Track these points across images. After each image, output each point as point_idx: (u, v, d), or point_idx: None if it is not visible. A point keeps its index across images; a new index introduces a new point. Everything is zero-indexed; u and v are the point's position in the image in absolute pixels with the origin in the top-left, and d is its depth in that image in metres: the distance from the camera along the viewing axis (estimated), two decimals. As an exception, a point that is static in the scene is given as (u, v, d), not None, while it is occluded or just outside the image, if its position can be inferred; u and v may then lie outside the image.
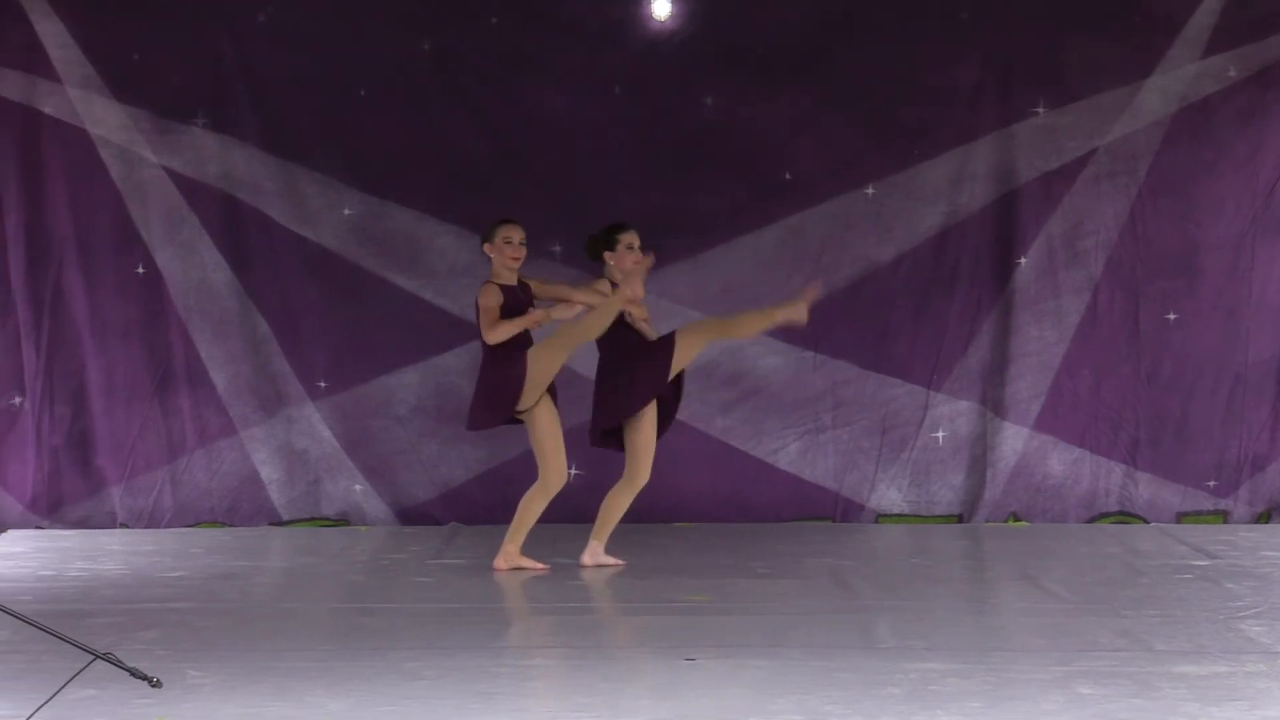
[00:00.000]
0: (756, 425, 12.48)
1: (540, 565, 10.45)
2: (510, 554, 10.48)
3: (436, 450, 12.46)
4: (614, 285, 10.50)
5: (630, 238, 10.53)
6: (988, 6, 12.43)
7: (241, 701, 7.06)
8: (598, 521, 10.59)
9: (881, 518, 12.51)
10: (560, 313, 10.48)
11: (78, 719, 6.77)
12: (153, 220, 12.45)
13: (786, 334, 12.32)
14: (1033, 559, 10.78)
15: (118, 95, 12.39)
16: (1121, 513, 12.45)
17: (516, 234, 10.46)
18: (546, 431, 10.36)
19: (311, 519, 12.49)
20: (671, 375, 10.42)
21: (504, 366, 10.26)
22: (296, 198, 12.47)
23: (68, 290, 12.43)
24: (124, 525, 12.40)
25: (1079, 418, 12.48)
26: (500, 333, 10.24)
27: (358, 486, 12.48)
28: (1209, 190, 12.41)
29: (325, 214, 12.47)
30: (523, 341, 10.32)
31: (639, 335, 10.51)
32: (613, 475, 12.30)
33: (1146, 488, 12.44)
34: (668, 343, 10.41)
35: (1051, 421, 12.45)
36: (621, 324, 10.42)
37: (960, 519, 12.51)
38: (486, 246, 10.47)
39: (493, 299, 10.29)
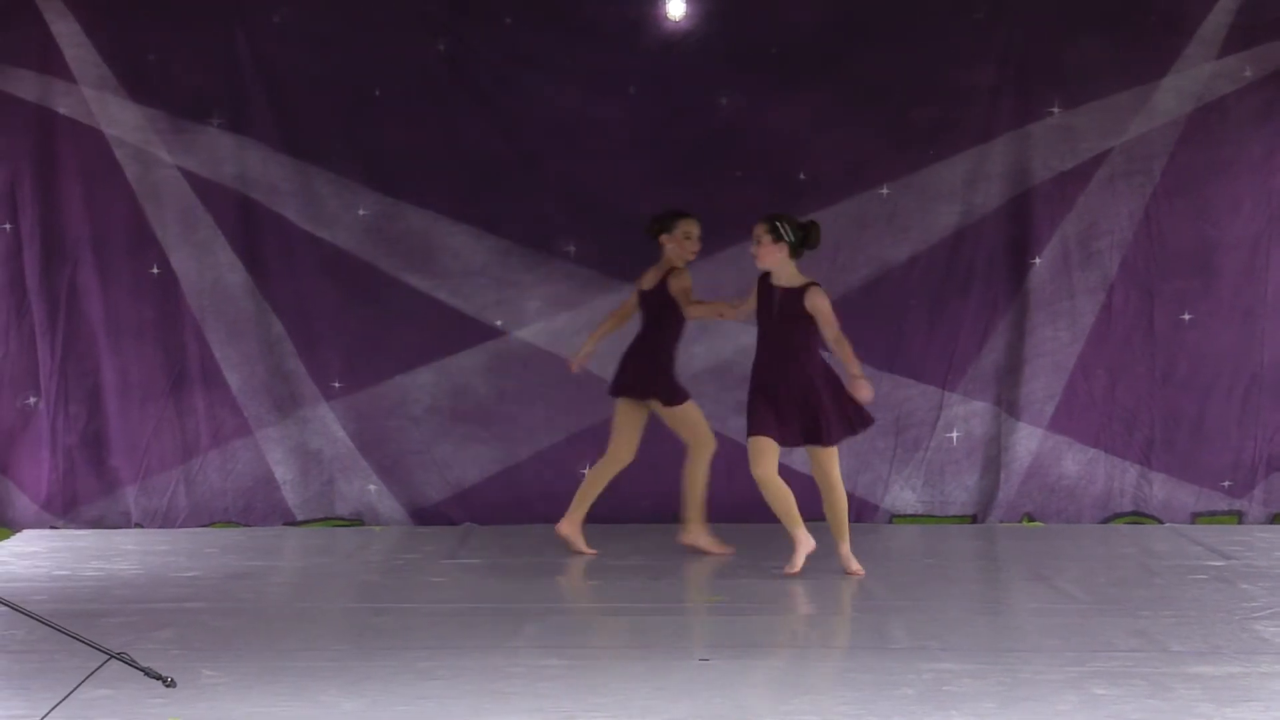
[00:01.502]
0: (771, 425, 12.46)
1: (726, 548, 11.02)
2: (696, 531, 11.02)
3: (450, 450, 12.47)
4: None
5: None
6: (1003, 7, 12.42)
7: (255, 701, 7.07)
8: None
9: (896, 518, 12.50)
10: (733, 311, 10.81)
11: (92, 719, 6.78)
12: (168, 220, 12.46)
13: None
14: (1047, 559, 10.78)
15: (133, 95, 12.40)
16: (1136, 513, 12.44)
17: (695, 229, 10.95)
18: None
19: (326, 519, 12.50)
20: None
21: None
22: (311, 198, 12.47)
23: (83, 290, 12.44)
24: (138, 525, 12.41)
25: (1093, 418, 12.47)
26: (696, 311, 10.90)
27: (372, 486, 12.49)
28: (1224, 190, 12.40)
29: (340, 214, 12.48)
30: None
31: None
32: (629, 477, 12.33)
33: (1161, 488, 12.43)
34: None
35: (1066, 422, 12.44)
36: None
37: (974, 519, 12.50)
38: (664, 237, 10.90)
39: (689, 280, 10.89)
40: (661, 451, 12.15)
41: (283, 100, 12.44)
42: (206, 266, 12.47)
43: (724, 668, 7.67)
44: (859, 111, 12.43)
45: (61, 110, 12.40)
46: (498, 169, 12.43)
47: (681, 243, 10.91)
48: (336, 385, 12.48)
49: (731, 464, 12.40)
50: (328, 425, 12.49)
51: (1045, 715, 6.82)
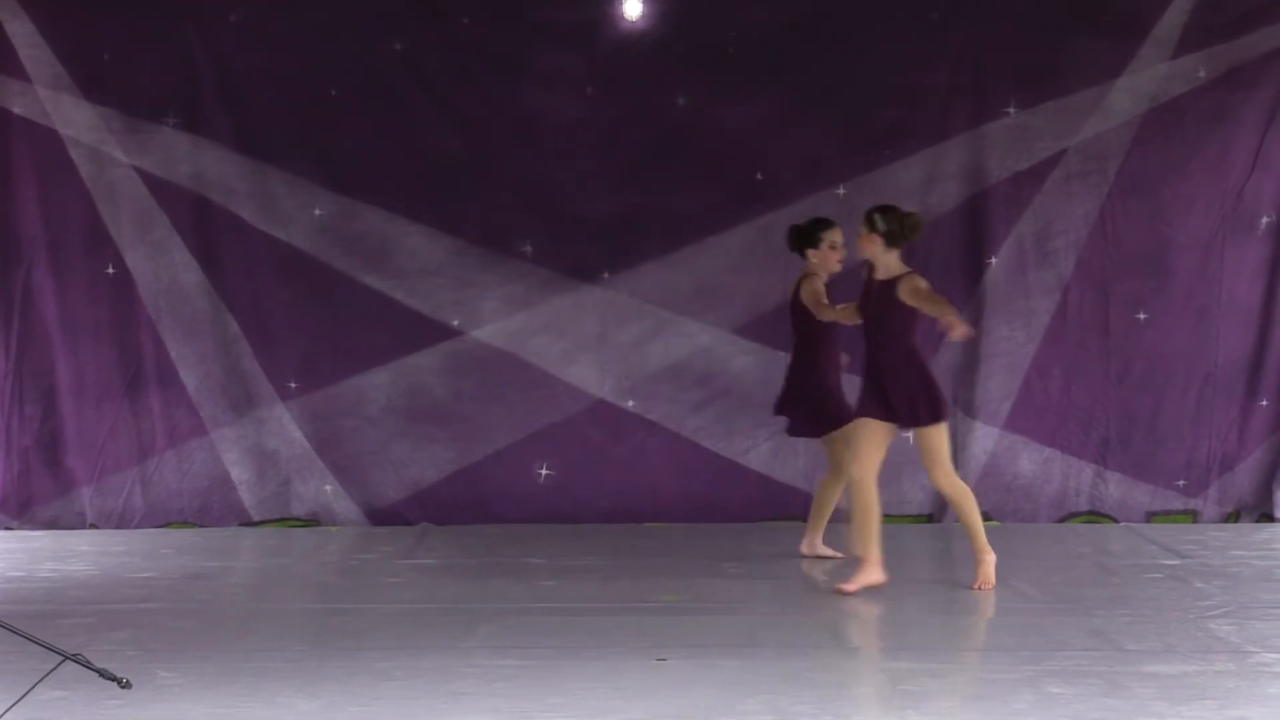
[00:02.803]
0: (728, 425, 12.48)
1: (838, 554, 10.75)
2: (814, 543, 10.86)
3: (407, 450, 12.45)
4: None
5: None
6: (959, 7, 12.44)
7: (212, 702, 7.05)
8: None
9: (852, 518, 12.51)
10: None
11: (47, 720, 6.76)
12: (123, 220, 12.41)
13: (758, 334, 12.33)
14: (1003, 559, 10.77)
15: (88, 95, 12.35)
16: (1092, 512, 12.48)
17: (839, 237, 10.66)
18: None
19: (282, 519, 12.47)
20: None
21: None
22: (267, 198, 12.44)
23: (37, 291, 12.39)
24: (94, 526, 12.36)
25: (1049, 418, 12.50)
26: (827, 313, 10.47)
27: (328, 487, 12.47)
28: (1179, 190, 12.44)
29: (296, 214, 12.45)
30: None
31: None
32: (587, 477, 12.32)
33: (1116, 487, 12.47)
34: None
35: (1022, 421, 12.46)
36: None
37: (931, 519, 12.52)
38: (810, 252, 10.64)
39: (820, 284, 10.57)
40: (617, 453, 12.17)
41: (238, 100, 12.41)
42: (162, 266, 12.43)
43: (681, 668, 7.67)
44: (815, 112, 12.45)
45: (16, 110, 12.35)
46: (455, 168, 12.42)
47: (828, 254, 10.65)
48: (293, 385, 12.45)
49: (689, 464, 12.42)
50: (284, 425, 12.46)
51: (1001, 714, 6.83)
